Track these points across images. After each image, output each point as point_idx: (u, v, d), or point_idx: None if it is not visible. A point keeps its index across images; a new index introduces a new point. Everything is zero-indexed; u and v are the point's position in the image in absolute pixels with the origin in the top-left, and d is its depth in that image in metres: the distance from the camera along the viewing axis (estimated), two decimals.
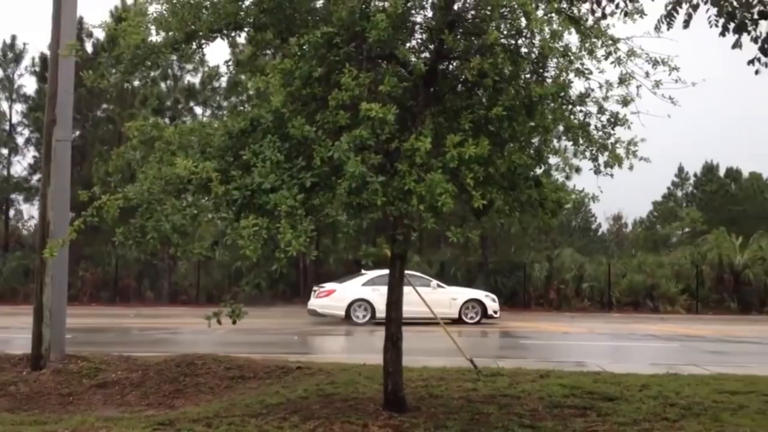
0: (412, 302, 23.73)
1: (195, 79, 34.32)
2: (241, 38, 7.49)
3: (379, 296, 22.21)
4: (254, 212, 5.57)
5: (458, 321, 22.30)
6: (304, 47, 6.21)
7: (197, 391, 9.23)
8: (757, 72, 7.85)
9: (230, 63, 8.30)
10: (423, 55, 6.90)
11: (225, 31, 6.99)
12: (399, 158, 5.91)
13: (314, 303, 23.04)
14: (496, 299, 23.97)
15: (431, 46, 6.87)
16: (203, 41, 7.10)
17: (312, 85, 6.14)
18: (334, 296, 22.80)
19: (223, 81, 32.29)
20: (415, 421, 7.02)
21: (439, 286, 23.18)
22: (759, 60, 7.82)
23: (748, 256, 34.90)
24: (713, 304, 33.64)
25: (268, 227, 5.40)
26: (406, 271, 24.35)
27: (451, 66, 6.97)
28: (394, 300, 7.55)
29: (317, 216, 5.77)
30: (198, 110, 33.96)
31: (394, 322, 7.52)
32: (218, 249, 6.12)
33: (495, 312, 23.32)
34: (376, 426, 6.85)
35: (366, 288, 22.30)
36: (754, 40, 7.67)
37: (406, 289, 23.50)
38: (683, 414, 7.71)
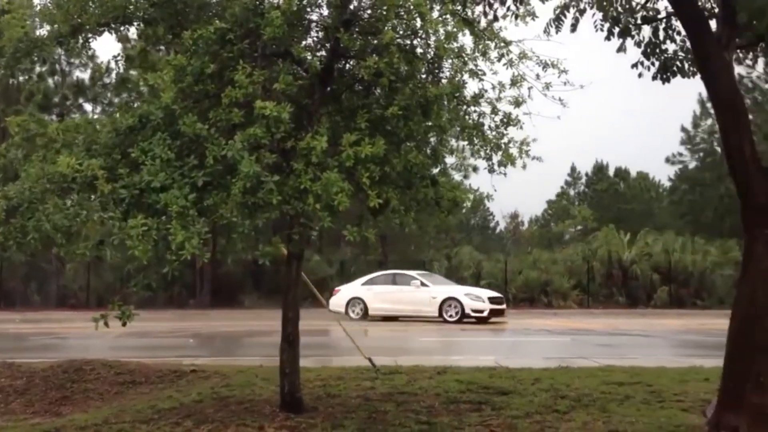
0: (400, 300, 23.79)
1: (84, 75, 33.13)
2: (132, 33, 7.28)
3: (372, 294, 24.45)
4: (143, 212, 5.39)
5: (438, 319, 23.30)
6: (197, 43, 6.06)
7: (86, 398, 8.92)
8: (640, 75, 8.19)
9: (120, 58, 8.03)
10: (319, 54, 6.86)
11: (113, 25, 6.77)
12: (295, 157, 5.84)
13: (331, 301, 24.20)
14: (482, 296, 23.91)
15: (327, 45, 6.81)
16: (90, 35, 6.85)
17: (204, 81, 6.00)
18: (338, 295, 25.12)
19: (114, 77, 31.30)
20: (312, 422, 6.97)
21: (422, 284, 24.17)
22: (642, 63, 8.15)
23: (636, 252, 36.48)
24: (603, 298, 34.99)
25: (158, 227, 5.24)
26: (397, 271, 24.89)
27: (347, 65, 6.94)
28: (291, 300, 7.47)
29: (211, 217, 5.64)
30: (88, 107, 32.79)
31: (290, 322, 7.44)
32: (105, 249, 5.89)
33: (474, 311, 23.25)
34: (272, 428, 6.76)
35: (363, 287, 24.74)
36: (638, 44, 7.99)
37: (394, 288, 23.88)
38: (573, 405, 7.94)
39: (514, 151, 6.73)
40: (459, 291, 24.24)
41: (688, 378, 10.06)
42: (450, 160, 7.29)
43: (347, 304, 24.30)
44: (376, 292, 24.53)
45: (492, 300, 23.94)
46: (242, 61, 5.88)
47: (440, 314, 23.33)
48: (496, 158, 6.82)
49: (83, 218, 5.71)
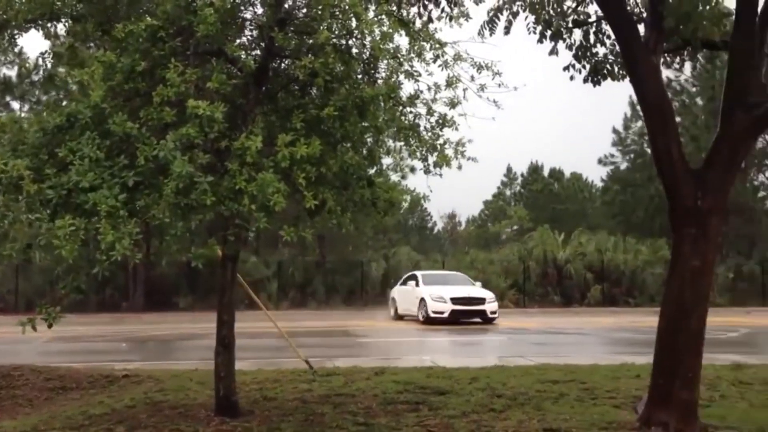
0: (407, 301, 24.37)
1: (11, 72, 32.09)
2: (60, 29, 7.07)
3: (400, 295, 25.15)
4: (71, 212, 5.23)
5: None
6: (128, 39, 5.91)
7: (14, 404, 8.66)
8: (572, 78, 8.34)
9: (48, 55, 7.79)
10: (253, 53, 6.78)
11: (41, 22, 6.56)
12: (229, 157, 5.76)
13: None
14: (444, 297, 23.30)
15: (262, 44, 6.75)
16: (17, 32, 6.64)
17: (135, 79, 5.86)
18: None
19: (42, 74, 30.38)
20: (247, 426, 6.90)
21: (417, 285, 24.71)
22: (573, 66, 8.30)
23: (570, 251, 37.17)
24: (539, 297, 35.56)
25: (87, 228, 5.10)
26: (451, 272, 25.81)
27: (282, 64, 6.90)
28: (226, 303, 7.37)
29: (143, 217, 5.51)
30: (15, 105, 31.77)
31: (225, 324, 7.35)
32: (33, 252, 5.72)
33: (435, 312, 22.98)
34: None
35: (396, 288, 25.91)
36: (569, 47, 8.13)
37: (409, 288, 22.90)
38: (509, 404, 8.03)
39: (449, 152, 6.77)
40: (427, 291, 23.89)
41: (620, 375, 10.29)
42: (387, 160, 7.30)
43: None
44: (404, 292, 25.43)
45: (457, 300, 23.19)
46: (174, 59, 5.76)
47: (417, 314, 23.85)
48: (431, 159, 6.85)
49: (10, 220, 5.54)
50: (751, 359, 12.41)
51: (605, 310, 31.07)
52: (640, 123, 42.70)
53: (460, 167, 6.91)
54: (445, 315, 22.86)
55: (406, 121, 6.80)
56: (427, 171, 6.95)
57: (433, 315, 22.90)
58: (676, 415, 6.43)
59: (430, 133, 6.86)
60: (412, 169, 7.28)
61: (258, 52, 6.82)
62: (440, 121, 6.82)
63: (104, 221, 5.11)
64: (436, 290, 23.69)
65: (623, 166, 48.45)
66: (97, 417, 7.40)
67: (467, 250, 41.92)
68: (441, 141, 6.84)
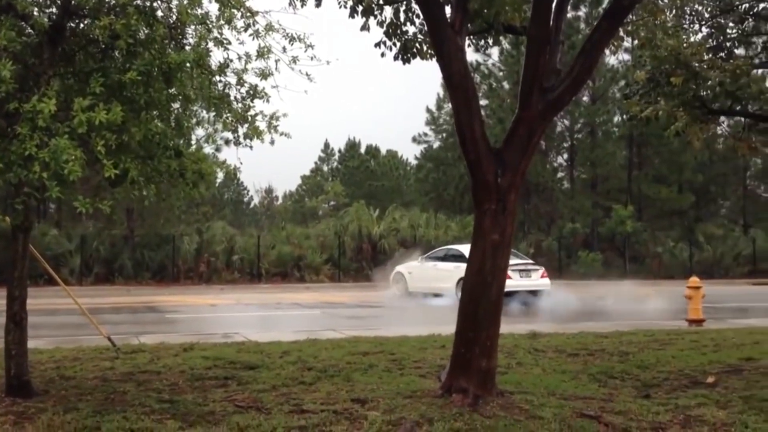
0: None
1: None
2: None
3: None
4: None
5: None
6: None
7: None
8: (383, 55, 8.46)
9: None
10: (48, 10, 6.31)
11: None
12: (19, 121, 5.35)
13: None
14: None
15: (58, 1, 6.30)
16: None
17: None
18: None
19: None
20: (41, 406, 6.51)
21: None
22: (384, 43, 8.43)
23: (384, 227, 38.10)
24: (353, 272, 36.20)
25: None
26: (453, 246, 23.42)
27: (81, 24, 6.47)
28: (18, 277, 6.89)
29: None
30: None
31: (17, 300, 6.87)
32: None
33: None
34: None
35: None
36: (381, 24, 8.24)
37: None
38: (319, 376, 8.12)
39: (262, 125, 6.69)
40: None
41: (427, 346, 10.69)
42: (200, 132, 7.09)
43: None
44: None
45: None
46: None
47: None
48: (242, 131, 6.74)
49: None
50: (547, 328, 13.31)
51: None
52: (450, 104, 44.33)
53: (272, 142, 6.87)
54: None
55: (216, 91, 6.63)
56: (237, 143, 6.83)
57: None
58: (475, 381, 6.74)
59: (240, 104, 6.74)
60: (227, 142, 7.11)
61: (53, 9, 6.35)
62: (251, 92, 6.71)
63: None
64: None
65: (436, 144, 50.27)
66: None
67: (283, 225, 41.81)
68: (252, 113, 6.74)
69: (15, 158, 5.26)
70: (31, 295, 7.31)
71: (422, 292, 22.98)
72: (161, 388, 7.46)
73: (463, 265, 24.19)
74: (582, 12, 41.70)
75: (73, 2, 5.95)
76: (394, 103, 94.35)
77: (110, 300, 21.58)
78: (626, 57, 39.49)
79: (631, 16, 8.65)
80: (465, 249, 23.77)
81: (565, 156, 47.13)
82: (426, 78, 78.60)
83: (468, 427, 5.94)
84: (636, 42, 10.74)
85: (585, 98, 43.86)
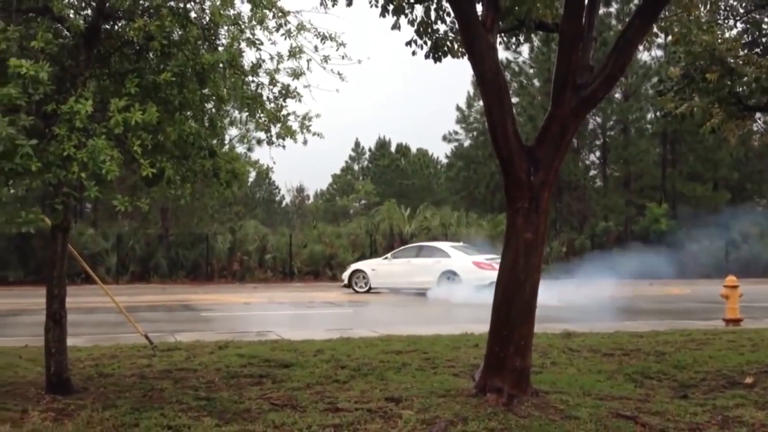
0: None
1: None
2: None
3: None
4: None
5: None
6: None
7: None
8: (414, 53, 8.45)
9: None
10: (84, 12, 6.40)
11: None
12: (57, 122, 5.44)
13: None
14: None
15: (93, 3, 6.39)
16: None
17: None
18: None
19: None
20: (81, 403, 6.60)
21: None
22: (415, 42, 8.41)
23: (416, 226, 38.06)
24: None
25: None
26: (426, 243, 24.93)
27: (116, 26, 6.56)
28: (57, 276, 7.00)
29: None
30: None
31: (56, 299, 6.99)
32: None
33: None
34: (37, 411, 6.32)
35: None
36: (411, 22, 8.23)
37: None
38: (353, 375, 8.14)
39: (294, 125, 6.73)
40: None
41: (460, 345, 10.65)
42: (233, 132, 7.16)
43: (350, 276, 25.43)
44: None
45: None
46: None
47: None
48: (275, 130, 6.78)
49: None
50: (581, 327, 13.20)
51: None
52: (482, 102, 44.12)
53: (305, 142, 6.91)
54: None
55: (249, 91, 6.68)
56: (270, 142, 6.88)
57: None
58: (509, 381, 6.71)
59: (273, 104, 6.79)
60: (259, 141, 7.18)
61: (89, 11, 6.45)
62: (283, 91, 6.76)
63: None
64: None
65: (467, 143, 50.06)
66: None
67: (315, 223, 41.97)
68: (285, 112, 6.78)
69: (54, 159, 5.34)
70: (69, 294, 7.42)
71: (388, 287, 24.71)
72: (198, 386, 7.54)
73: (444, 260, 23.59)
74: (613, 8, 41.28)
75: (107, 4, 6.04)
76: (424, 102, 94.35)
77: (146, 298, 21.84)
78: (659, 53, 39.08)
79: (664, 12, 8.55)
80: (443, 245, 25.56)
81: (598, 154, 46.70)
82: (456, 76, 78.42)
83: (503, 427, 5.92)
84: (669, 38, 10.58)
85: (617, 95, 43.40)
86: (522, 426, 5.94)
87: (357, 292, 24.71)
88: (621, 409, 6.52)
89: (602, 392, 7.30)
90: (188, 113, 6.44)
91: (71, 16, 5.99)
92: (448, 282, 22.86)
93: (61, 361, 7.02)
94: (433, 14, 8.26)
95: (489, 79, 6.89)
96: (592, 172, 46.93)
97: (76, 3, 6.47)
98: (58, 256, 7.02)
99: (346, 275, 25.77)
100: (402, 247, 27.34)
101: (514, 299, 6.87)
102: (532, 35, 9.16)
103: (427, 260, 23.86)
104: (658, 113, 34.63)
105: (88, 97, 5.39)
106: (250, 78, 6.66)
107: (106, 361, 9.02)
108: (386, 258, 25.62)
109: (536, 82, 44.31)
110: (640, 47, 9.18)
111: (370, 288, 24.78)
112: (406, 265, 24.12)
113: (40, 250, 23.93)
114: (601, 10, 31.02)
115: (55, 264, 7.03)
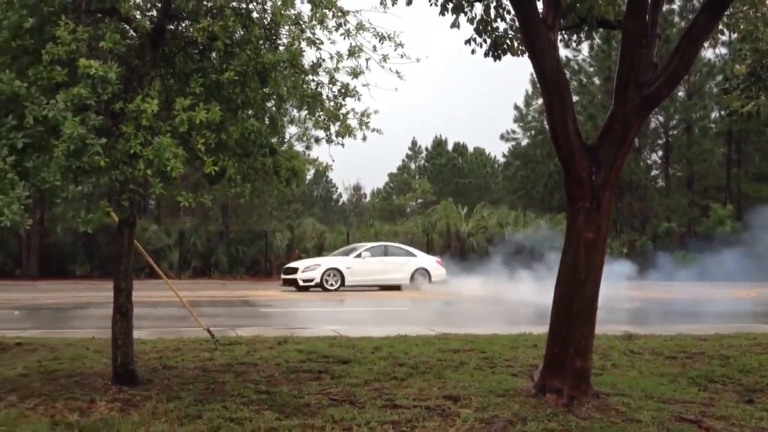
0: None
1: None
2: None
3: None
4: None
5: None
6: None
7: None
8: (473, 51, 8.41)
9: None
10: (149, 13, 6.57)
11: None
12: (124, 120, 5.59)
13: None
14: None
15: (158, 4, 6.54)
16: None
17: (23, 36, 5.58)
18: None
19: None
20: (146, 394, 6.77)
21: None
22: (475, 40, 8.37)
23: (472, 225, 37.90)
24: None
25: None
26: (388, 243, 24.65)
27: (180, 26, 6.69)
28: (123, 270, 7.18)
29: (32, 181, 5.29)
30: None
31: (123, 292, 7.17)
32: None
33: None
34: (104, 401, 6.50)
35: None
36: (471, 20, 8.19)
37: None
38: (410, 372, 8.15)
39: (353, 122, 6.77)
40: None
41: (518, 344, 10.56)
42: (292, 130, 7.23)
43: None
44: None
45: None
46: (65, 16, 5.53)
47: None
48: (334, 128, 6.83)
49: None
50: (642, 330, 12.97)
51: (510, 282, 31.77)
52: (540, 100, 43.64)
53: (364, 138, 6.93)
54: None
55: (309, 90, 6.74)
56: (329, 140, 6.93)
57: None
58: (569, 382, 6.63)
59: (332, 103, 6.84)
60: (317, 140, 7.24)
61: (154, 12, 6.60)
62: (343, 90, 6.80)
63: None
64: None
65: (524, 142, 49.66)
66: None
67: (372, 222, 42.11)
68: (344, 111, 6.83)
69: (120, 156, 5.48)
70: (134, 288, 7.60)
71: (364, 284, 25.62)
72: (258, 380, 7.65)
73: (414, 258, 26.08)
74: (676, 5, 40.42)
75: (172, 5, 6.17)
76: (481, 101, 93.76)
77: (207, 293, 22.23)
78: (724, 51, 38.10)
79: (730, 9, 8.34)
80: (402, 246, 28.34)
81: (660, 153, 45.81)
82: (514, 74, 77.69)
83: (562, 428, 5.85)
84: (735, 35, 10.32)
85: (681, 93, 42.49)
86: (582, 428, 5.87)
87: (327, 290, 25.08)
88: (684, 412, 6.39)
89: (665, 395, 7.16)
90: (250, 112, 6.55)
91: (138, 17, 6.15)
92: (420, 278, 26.10)
93: (127, 353, 7.20)
94: (492, 12, 8.22)
95: (550, 77, 6.82)
96: (654, 172, 46.09)
97: (142, 4, 6.64)
98: (124, 250, 7.20)
99: (316, 274, 25.70)
100: (367, 246, 27.96)
101: (574, 299, 6.78)
102: (593, 33, 9.02)
103: (400, 258, 26.62)
104: (722, 112, 33.82)
105: (154, 96, 5.52)
106: (310, 77, 6.72)
107: (169, 353, 9.22)
108: (359, 257, 26.32)
109: (596, 80, 43.69)
110: (705, 44, 8.98)
111: (341, 286, 25.45)
112: (380, 264, 25.88)
113: (106, 245, 24.58)
114: (664, 7, 30.34)
115: (121, 259, 7.21)
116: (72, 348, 9.49)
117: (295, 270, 25.95)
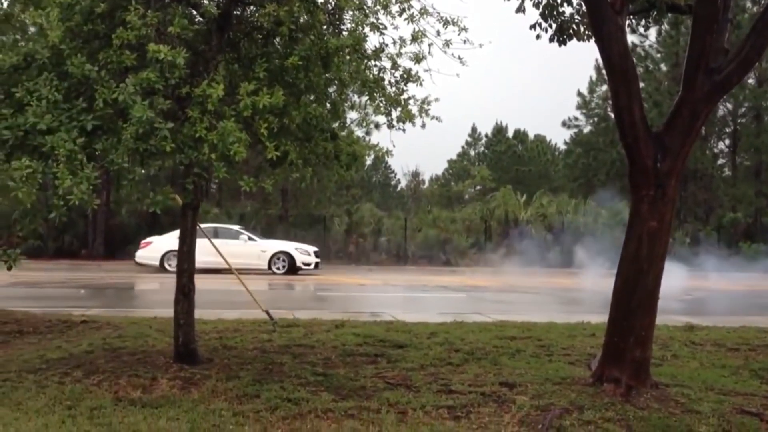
0: (210, 252, 24.09)
1: None
2: None
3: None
4: (29, 154, 5.15)
5: (268, 272, 24.28)
6: None
7: None
8: (538, 36, 8.30)
9: None
10: None
11: None
12: (190, 104, 5.69)
13: (139, 253, 24.71)
14: (311, 252, 25.69)
15: None
16: None
17: (94, 21, 5.73)
18: (151, 247, 24.31)
19: None
20: (206, 373, 6.92)
21: (250, 238, 24.88)
22: (540, 25, 8.26)
23: (531, 212, 37.52)
24: (500, 257, 35.83)
25: (44, 171, 5.03)
26: (218, 225, 23.52)
27: (246, 12, 6.77)
28: (186, 251, 7.34)
29: (101, 162, 5.44)
30: None
31: (185, 273, 7.33)
32: None
33: (306, 264, 25.06)
34: (166, 379, 6.69)
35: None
36: (536, 5, 8.09)
37: (217, 242, 23.34)
38: (466, 358, 8.15)
39: (414, 108, 6.75)
40: (289, 245, 25.71)
41: (575, 333, 10.48)
42: (352, 115, 7.26)
43: (163, 256, 23.70)
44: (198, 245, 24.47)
45: (317, 254, 26.08)
46: (135, 1, 5.64)
47: (269, 267, 24.63)
48: (395, 114, 6.83)
49: None
50: (704, 321, 12.71)
51: (564, 271, 31.49)
52: (604, 87, 42.90)
53: (424, 125, 6.92)
54: (312, 266, 25.23)
55: (371, 75, 6.75)
56: (390, 126, 6.93)
57: (304, 267, 25.01)
58: (628, 372, 6.56)
59: (394, 88, 6.83)
60: (377, 125, 7.26)
61: None
62: (405, 75, 6.79)
63: (62, 165, 5.05)
64: (299, 245, 25.94)
65: (587, 129, 48.74)
66: (55, 361, 7.36)
67: (430, 208, 42.05)
68: (405, 96, 6.82)
69: (186, 140, 5.59)
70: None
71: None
72: (315, 362, 7.75)
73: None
74: None
75: None
76: (543, 87, 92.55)
77: (265, 276, 22.55)
78: None
79: None
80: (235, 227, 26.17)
81: (727, 141, 44.53)
82: (577, 61, 76.38)
83: (620, 417, 5.80)
84: None
85: (751, 80, 41.18)
86: (640, 418, 5.81)
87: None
88: (746, 405, 6.27)
89: (726, 387, 7.03)
90: (312, 97, 6.59)
91: (205, 2, 6.24)
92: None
93: (188, 332, 7.36)
94: None
95: (616, 62, 6.70)
96: (721, 161, 44.83)
97: None
98: (187, 232, 7.35)
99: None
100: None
101: (636, 289, 6.69)
102: (662, 18, 8.81)
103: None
104: None
105: (219, 81, 5.61)
106: (373, 62, 6.73)
107: (229, 334, 9.40)
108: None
109: (663, 67, 42.63)
110: None
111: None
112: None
113: (169, 227, 25.06)
114: None
115: (184, 240, 7.37)
116: (135, 326, 9.75)
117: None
